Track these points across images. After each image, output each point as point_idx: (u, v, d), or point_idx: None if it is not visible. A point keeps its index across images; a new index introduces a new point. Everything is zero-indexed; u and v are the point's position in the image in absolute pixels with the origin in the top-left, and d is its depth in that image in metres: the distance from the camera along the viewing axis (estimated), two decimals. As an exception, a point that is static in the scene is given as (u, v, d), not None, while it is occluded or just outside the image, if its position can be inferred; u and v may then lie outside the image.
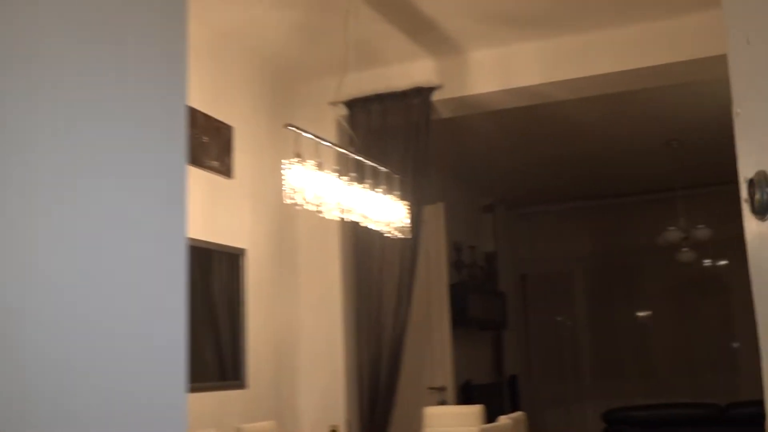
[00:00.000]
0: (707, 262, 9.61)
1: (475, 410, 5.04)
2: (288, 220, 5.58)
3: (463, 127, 6.93)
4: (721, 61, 4.96)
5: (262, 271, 5.29)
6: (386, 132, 5.56)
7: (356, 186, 4.32)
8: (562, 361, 10.31)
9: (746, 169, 1.08)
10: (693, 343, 9.69)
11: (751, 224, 1.08)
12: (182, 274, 1.20)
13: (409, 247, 5.35)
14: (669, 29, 5.11)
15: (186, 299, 1.19)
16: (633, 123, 7.25)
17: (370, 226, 4.57)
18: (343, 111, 5.70)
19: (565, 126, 7.22)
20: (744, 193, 1.08)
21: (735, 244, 9.23)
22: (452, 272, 7.86)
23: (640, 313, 10.23)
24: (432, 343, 6.55)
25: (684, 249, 8.21)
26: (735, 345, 9.60)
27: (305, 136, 4.08)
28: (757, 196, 1.03)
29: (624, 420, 7.51)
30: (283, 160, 3.93)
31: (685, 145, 7.82)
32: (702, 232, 8.05)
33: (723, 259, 9.73)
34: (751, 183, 1.05)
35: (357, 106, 5.64)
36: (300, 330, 5.63)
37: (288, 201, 3.86)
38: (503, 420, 4.63)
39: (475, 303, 8.31)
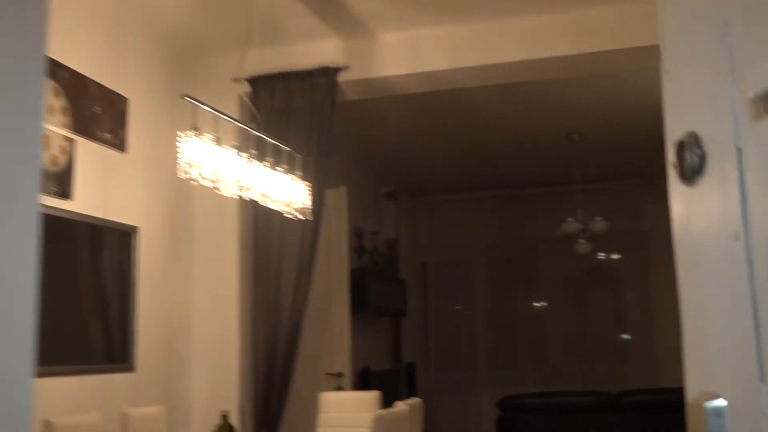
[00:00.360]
0: (602, 255, 9.83)
1: (371, 396, 4.98)
2: (184, 198, 5.38)
3: (369, 112, 6.84)
4: (626, 55, 5.02)
5: (156, 249, 5.07)
6: (290, 111, 5.41)
7: (256, 163, 4.17)
8: (459, 350, 10.38)
9: (675, 131, 1.01)
10: (586, 333, 9.91)
11: (677, 191, 1.01)
12: (32, 245, 1.07)
13: (309, 229, 5.23)
14: (577, 20, 5.13)
15: (35, 271, 1.07)
16: (536, 115, 7.31)
17: (269, 206, 4.43)
18: (246, 88, 5.52)
19: (468, 116, 7.22)
20: (671, 157, 1.01)
21: (628, 239, 9.44)
22: (353, 258, 7.78)
23: (537, 304, 10.39)
24: (331, 329, 6.45)
25: (581, 240, 8.35)
26: (625, 336, 9.87)
27: (204, 109, 3.90)
28: (687, 159, 0.96)
29: (518, 407, 7.61)
30: (178, 132, 3.75)
31: (586, 139, 7.95)
32: (598, 225, 8.22)
33: (616, 253, 9.98)
34: (681, 145, 0.98)
35: (260, 84, 5.48)
36: (194, 312, 5.44)
37: (183, 175, 3.69)
38: (400, 406, 4.58)
39: (376, 289, 8.26)
